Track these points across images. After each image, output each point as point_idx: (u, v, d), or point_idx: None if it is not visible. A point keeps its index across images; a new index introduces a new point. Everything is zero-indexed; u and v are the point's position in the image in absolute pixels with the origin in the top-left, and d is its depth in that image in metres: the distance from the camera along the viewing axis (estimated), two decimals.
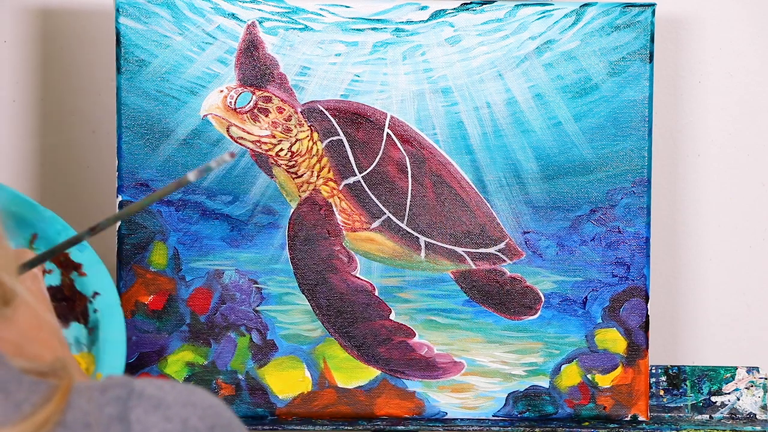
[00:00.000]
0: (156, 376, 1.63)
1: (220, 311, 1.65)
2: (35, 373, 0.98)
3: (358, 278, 1.64)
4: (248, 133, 1.64)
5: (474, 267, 1.66)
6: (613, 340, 1.65)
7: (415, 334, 1.65)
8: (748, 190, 1.75)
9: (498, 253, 1.66)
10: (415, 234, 1.65)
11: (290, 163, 1.64)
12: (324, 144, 1.64)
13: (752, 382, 1.73)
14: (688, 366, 1.74)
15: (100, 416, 0.95)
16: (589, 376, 1.65)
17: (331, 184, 1.64)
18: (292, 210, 1.65)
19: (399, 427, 1.66)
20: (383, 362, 1.65)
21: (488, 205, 1.65)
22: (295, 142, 1.64)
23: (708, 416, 1.73)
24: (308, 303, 1.64)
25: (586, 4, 1.63)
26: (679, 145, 1.75)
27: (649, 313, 1.65)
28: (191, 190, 1.64)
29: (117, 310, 1.59)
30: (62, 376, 0.97)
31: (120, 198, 1.64)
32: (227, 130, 1.64)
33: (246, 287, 1.64)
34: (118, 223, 1.64)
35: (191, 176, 1.09)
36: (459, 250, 1.65)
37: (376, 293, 1.65)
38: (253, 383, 1.66)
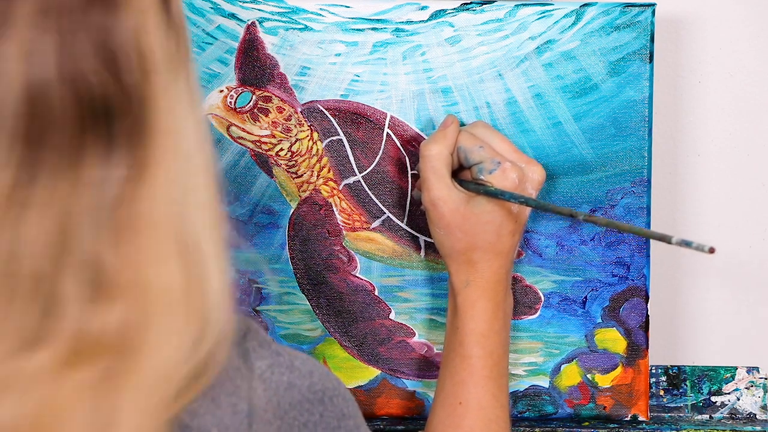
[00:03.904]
0: None
1: None
2: None
3: (358, 278, 1.64)
4: (248, 133, 1.64)
5: None
6: (613, 340, 1.65)
7: (415, 334, 1.65)
8: (748, 190, 1.75)
9: None
10: (415, 234, 1.65)
11: (290, 163, 1.64)
12: (324, 144, 1.64)
13: (752, 382, 1.73)
14: (688, 366, 1.74)
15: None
16: (589, 376, 1.65)
17: (331, 184, 1.64)
18: (292, 210, 1.65)
19: (399, 427, 1.66)
20: (383, 362, 1.65)
21: None
22: (295, 142, 1.64)
23: (708, 416, 1.73)
24: (308, 303, 1.64)
25: (586, 4, 1.63)
26: (679, 145, 1.75)
27: (649, 313, 1.65)
28: None
29: None
30: None
31: None
32: (227, 130, 1.64)
33: (246, 287, 1.65)
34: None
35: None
36: None
37: (376, 293, 1.65)
38: None
